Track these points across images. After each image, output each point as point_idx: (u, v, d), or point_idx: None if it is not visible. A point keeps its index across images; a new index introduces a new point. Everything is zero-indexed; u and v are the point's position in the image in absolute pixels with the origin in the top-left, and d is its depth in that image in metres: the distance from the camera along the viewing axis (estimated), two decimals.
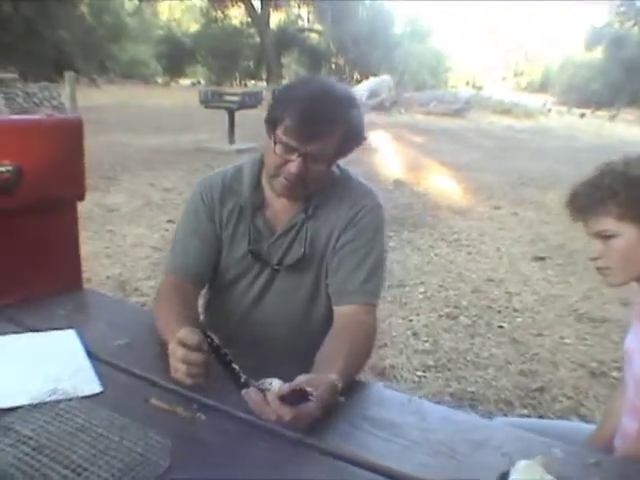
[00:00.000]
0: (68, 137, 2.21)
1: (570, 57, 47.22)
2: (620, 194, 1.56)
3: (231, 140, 12.88)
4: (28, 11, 27.15)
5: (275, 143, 1.77)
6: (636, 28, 40.39)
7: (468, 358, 4.17)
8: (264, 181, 1.95)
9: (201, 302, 2.12)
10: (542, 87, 48.82)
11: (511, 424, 1.96)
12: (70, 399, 1.45)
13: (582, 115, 29.69)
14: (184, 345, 1.46)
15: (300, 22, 44.01)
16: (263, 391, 1.39)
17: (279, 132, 1.75)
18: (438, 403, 3.26)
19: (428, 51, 41.03)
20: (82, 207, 2.35)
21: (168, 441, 1.28)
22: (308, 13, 43.33)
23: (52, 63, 26.53)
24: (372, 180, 8.82)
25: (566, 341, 4.52)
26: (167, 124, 16.79)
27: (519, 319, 4.92)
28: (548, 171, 11.92)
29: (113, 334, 1.89)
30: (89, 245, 5.92)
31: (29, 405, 1.41)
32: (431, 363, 4.08)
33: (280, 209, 1.94)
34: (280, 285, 1.96)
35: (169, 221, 7.06)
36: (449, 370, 4.00)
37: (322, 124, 1.73)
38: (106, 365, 1.68)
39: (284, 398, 1.35)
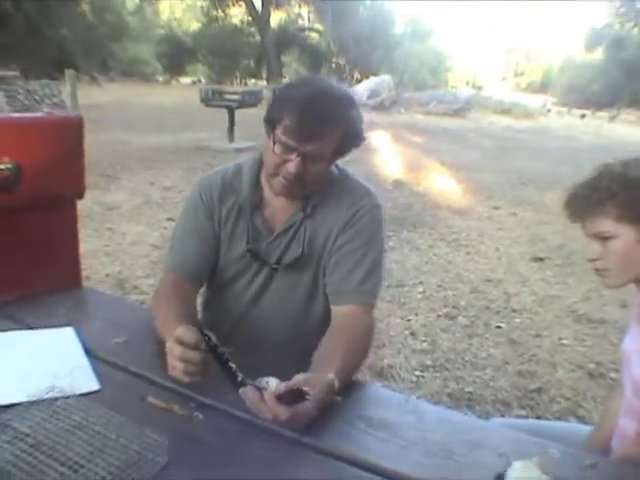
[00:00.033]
0: (68, 135, 2.21)
1: (570, 58, 47.27)
2: (618, 195, 1.56)
3: (231, 139, 12.89)
4: (30, 9, 27.16)
5: (274, 143, 1.77)
6: (636, 29, 40.42)
7: (466, 358, 4.17)
8: (263, 180, 1.95)
9: (199, 300, 2.12)
10: (542, 87, 48.86)
11: (508, 425, 1.96)
12: (68, 396, 1.45)
13: (582, 116, 29.72)
14: (182, 343, 1.47)
15: (301, 21, 44.03)
16: (260, 390, 1.39)
17: (278, 132, 1.75)
18: (436, 403, 3.28)
19: (428, 51, 41.04)
20: (82, 205, 2.35)
21: (165, 439, 1.28)
22: (309, 12, 43.34)
23: (53, 61, 26.51)
24: (372, 180, 8.83)
25: (564, 342, 4.52)
26: (167, 122, 16.79)
27: (517, 320, 4.91)
28: (548, 171, 11.93)
29: (111, 332, 1.89)
30: (89, 243, 5.92)
31: (27, 402, 1.41)
32: (429, 363, 4.08)
33: (279, 208, 1.94)
34: (278, 284, 1.96)
35: (169, 219, 7.06)
36: (447, 370, 3.99)
37: (321, 124, 1.73)
38: (104, 363, 1.69)
39: (281, 397, 1.36)
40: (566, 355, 4.30)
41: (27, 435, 1.28)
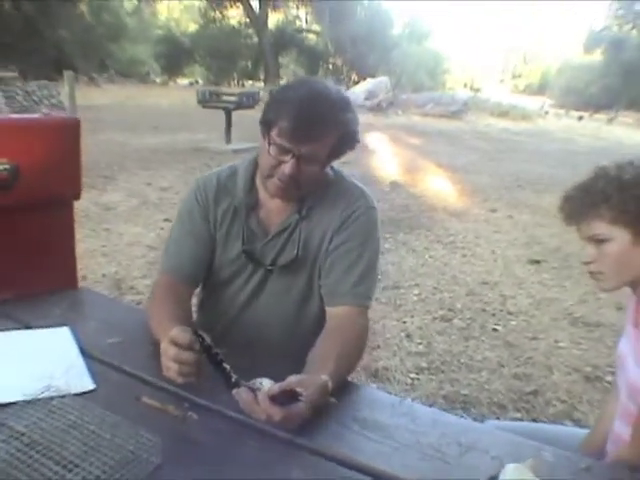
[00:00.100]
0: (65, 136, 2.22)
1: (568, 60, 47.34)
2: (613, 198, 1.56)
3: (228, 140, 12.90)
4: (29, 10, 27.17)
5: (269, 144, 1.77)
6: (634, 31, 40.47)
7: (462, 361, 4.17)
8: (258, 182, 1.95)
9: (195, 301, 2.13)
10: (540, 89, 48.93)
11: (503, 427, 1.96)
12: (63, 396, 1.45)
13: (580, 118, 29.77)
14: (176, 344, 1.47)
15: (298, 23, 44.06)
16: (254, 391, 1.40)
17: (273, 133, 1.75)
18: (431, 406, 3.28)
19: (426, 53, 41.11)
20: (79, 205, 2.35)
21: (159, 439, 1.28)
22: (306, 14, 43.37)
23: (52, 62, 26.55)
24: (368, 181, 8.86)
25: (560, 345, 4.52)
26: (165, 123, 16.80)
27: (513, 322, 4.92)
28: (545, 174, 11.94)
29: (107, 332, 1.90)
30: (86, 243, 5.94)
31: (23, 401, 1.41)
32: (424, 365, 4.08)
33: (274, 210, 1.95)
34: (273, 285, 1.96)
35: (165, 220, 7.07)
36: (442, 372, 4.00)
37: (316, 126, 1.73)
38: (99, 363, 1.69)
39: (274, 398, 1.37)
40: (562, 358, 4.30)
41: (22, 434, 1.29)
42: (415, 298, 5.31)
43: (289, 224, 1.93)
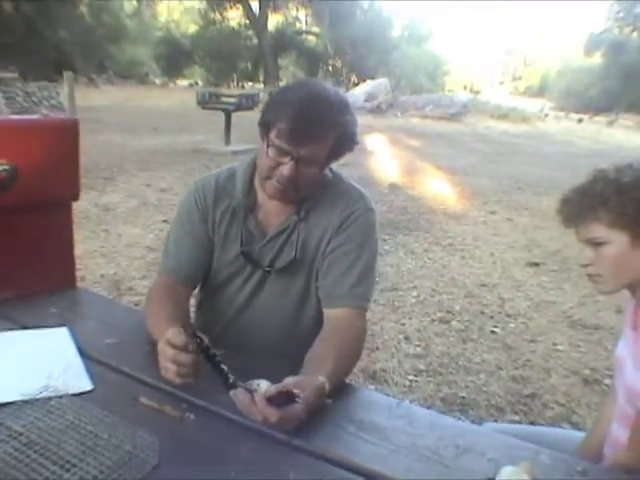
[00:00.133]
0: (64, 137, 2.22)
1: (568, 62, 47.35)
2: (611, 201, 1.56)
3: (227, 141, 12.91)
4: (28, 10, 27.18)
5: (268, 146, 1.77)
6: (635, 34, 40.50)
7: (460, 363, 4.17)
8: (257, 183, 1.95)
9: (193, 302, 2.13)
10: (540, 92, 48.94)
11: (501, 430, 1.95)
12: (61, 396, 1.46)
13: (580, 120, 29.76)
14: (172, 346, 1.48)
15: (298, 24, 44.11)
16: (251, 392, 1.40)
17: (272, 135, 1.75)
18: (429, 408, 3.27)
19: (425, 55, 41.17)
20: (78, 206, 2.36)
21: (156, 439, 1.29)
22: (306, 15, 43.42)
23: (52, 62, 26.56)
24: (367, 183, 8.87)
25: (559, 348, 4.52)
26: (164, 125, 16.81)
27: (512, 325, 4.92)
28: (544, 176, 11.94)
29: (105, 333, 1.90)
30: (85, 244, 5.94)
31: (21, 401, 1.42)
32: (422, 367, 4.08)
33: (272, 212, 1.95)
34: (271, 287, 1.96)
35: (164, 221, 7.08)
36: (440, 375, 3.99)
37: (315, 128, 1.73)
38: (97, 363, 1.70)
39: (271, 399, 1.37)
40: (560, 361, 4.30)
41: (20, 434, 1.29)
42: (413, 300, 5.31)
43: (287, 226, 1.93)
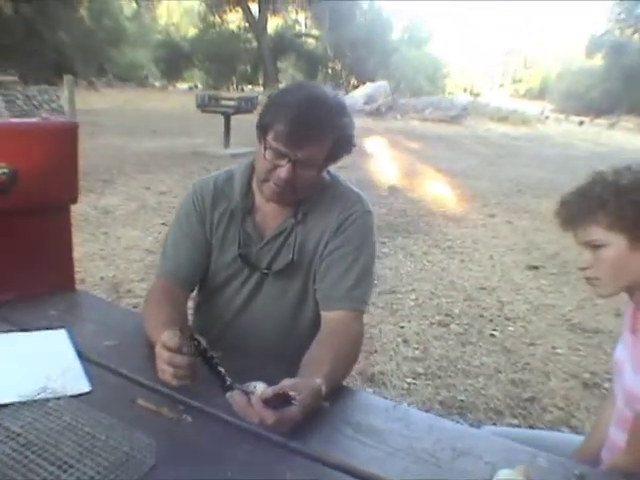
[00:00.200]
0: (63, 141, 2.22)
1: (569, 64, 47.32)
2: (610, 203, 1.56)
3: (227, 144, 12.92)
4: (28, 12, 27.19)
5: (265, 148, 1.77)
6: (636, 36, 40.48)
7: (458, 366, 4.17)
8: (254, 186, 1.96)
9: (191, 304, 2.13)
10: (540, 94, 48.90)
11: (499, 433, 1.94)
12: (59, 398, 1.47)
13: (580, 123, 29.73)
14: (167, 348, 1.49)
15: (297, 27, 44.10)
16: (247, 394, 1.41)
17: (269, 137, 1.76)
18: (427, 411, 3.28)
19: (425, 57, 41.18)
20: (78, 209, 2.37)
21: (153, 441, 1.29)
22: (305, 18, 43.40)
23: (52, 65, 26.57)
24: (367, 186, 8.88)
25: (558, 351, 4.51)
26: (164, 128, 16.81)
27: (511, 328, 4.91)
28: (545, 179, 11.94)
29: (103, 335, 1.90)
30: (84, 247, 5.95)
31: (19, 402, 1.43)
32: (421, 370, 4.07)
33: (270, 214, 1.95)
34: (269, 289, 1.97)
35: (164, 224, 7.07)
36: (439, 378, 3.99)
37: (312, 131, 1.74)
38: (95, 365, 1.70)
39: (267, 401, 1.37)
40: (560, 364, 4.29)
41: (18, 435, 1.30)
42: (412, 303, 5.31)
43: (285, 228, 1.93)
